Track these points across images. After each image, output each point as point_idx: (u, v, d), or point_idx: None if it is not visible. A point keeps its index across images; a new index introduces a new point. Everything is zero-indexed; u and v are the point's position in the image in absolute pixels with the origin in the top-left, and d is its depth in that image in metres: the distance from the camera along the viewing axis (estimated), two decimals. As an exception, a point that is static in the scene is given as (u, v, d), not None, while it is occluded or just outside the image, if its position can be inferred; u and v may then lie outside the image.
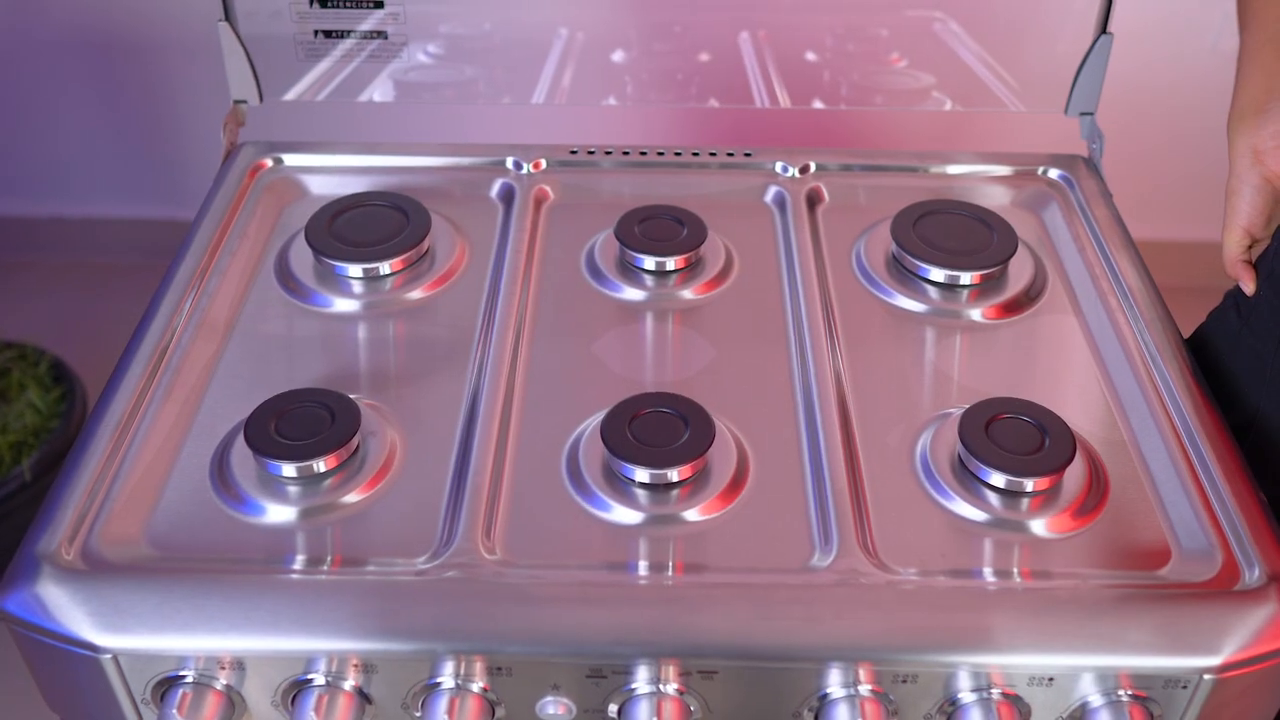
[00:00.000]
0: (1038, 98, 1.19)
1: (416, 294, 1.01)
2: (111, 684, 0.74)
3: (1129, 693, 0.73)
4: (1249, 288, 0.89)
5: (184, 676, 0.74)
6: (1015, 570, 0.78)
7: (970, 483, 0.82)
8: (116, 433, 0.84)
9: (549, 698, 0.75)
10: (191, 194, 1.13)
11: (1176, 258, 1.88)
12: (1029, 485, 0.81)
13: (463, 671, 0.73)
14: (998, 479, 0.81)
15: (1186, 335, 0.97)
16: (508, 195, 1.12)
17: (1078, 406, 0.89)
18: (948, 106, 1.24)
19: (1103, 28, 1.14)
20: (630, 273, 1.03)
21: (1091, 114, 1.17)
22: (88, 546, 0.77)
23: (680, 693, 0.74)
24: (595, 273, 1.03)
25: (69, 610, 0.73)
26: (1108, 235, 1.05)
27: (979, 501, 0.81)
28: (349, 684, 0.74)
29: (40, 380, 1.80)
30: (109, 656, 0.73)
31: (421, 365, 0.94)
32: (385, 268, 1.01)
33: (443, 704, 0.73)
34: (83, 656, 0.73)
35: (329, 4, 1.14)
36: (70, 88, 2.13)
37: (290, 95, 1.19)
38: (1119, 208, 1.10)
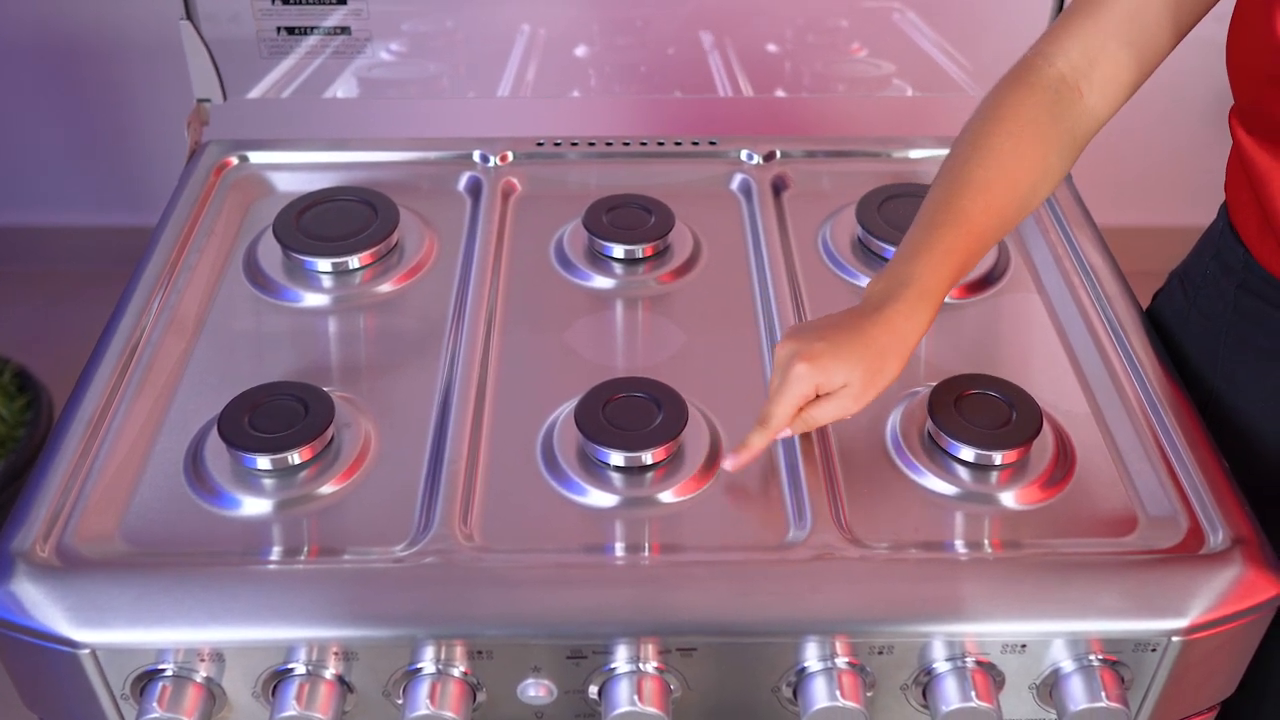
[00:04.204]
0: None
1: (386, 287, 1.01)
2: (90, 680, 0.74)
3: (1100, 657, 0.74)
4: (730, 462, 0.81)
5: (163, 670, 0.74)
6: (986, 541, 0.79)
7: (940, 457, 0.84)
8: (89, 430, 0.84)
9: (530, 680, 0.75)
10: (154, 200, 1.12)
11: (1135, 243, 1.91)
12: (998, 458, 0.82)
13: (443, 656, 0.74)
14: (967, 453, 0.83)
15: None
16: (475, 188, 1.13)
17: (1043, 381, 0.91)
18: (909, 93, 1.25)
19: (1058, 10, 1.15)
20: (599, 261, 1.03)
21: (1049, 97, 1.19)
22: (63, 543, 0.77)
23: (660, 671, 0.74)
24: (564, 262, 1.04)
25: (45, 607, 0.73)
26: (1068, 215, 1.07)
27: (949, 475, 0.83)
28: (330, 672, 0.74)
29: (4, 389, 1.78)
30: (87, 652, 0.72)
31: (393, 357, 0.94)
32: (354, 262, 1.01)
33: (424, 689, 0.73)
34: (60, 653, 0.73)
35: (291, 0, 1.14)
36: (27, 93, 2.11)
37: (254, 93, 1.19)
38: (1080, 192, 1.11)
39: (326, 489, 0.82)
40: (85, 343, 0.93)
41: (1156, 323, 0.97)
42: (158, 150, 2.17)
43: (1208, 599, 0.74)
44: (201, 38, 1.15)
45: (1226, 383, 0.89)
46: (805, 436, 0.85)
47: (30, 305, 2.25)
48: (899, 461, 0.84)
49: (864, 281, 1.01)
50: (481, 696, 0.75)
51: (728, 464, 0.81)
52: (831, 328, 0.80)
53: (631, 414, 0.84)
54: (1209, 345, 0.90)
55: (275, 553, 0.78)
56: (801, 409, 0.80)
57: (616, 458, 0.82)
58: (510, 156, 1.15)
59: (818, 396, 0.79)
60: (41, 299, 2.26)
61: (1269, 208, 0.81)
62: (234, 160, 1.14)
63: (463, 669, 0.74)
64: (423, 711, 0.72)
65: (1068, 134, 0.85)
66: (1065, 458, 0.85)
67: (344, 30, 1.17)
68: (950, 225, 0.81)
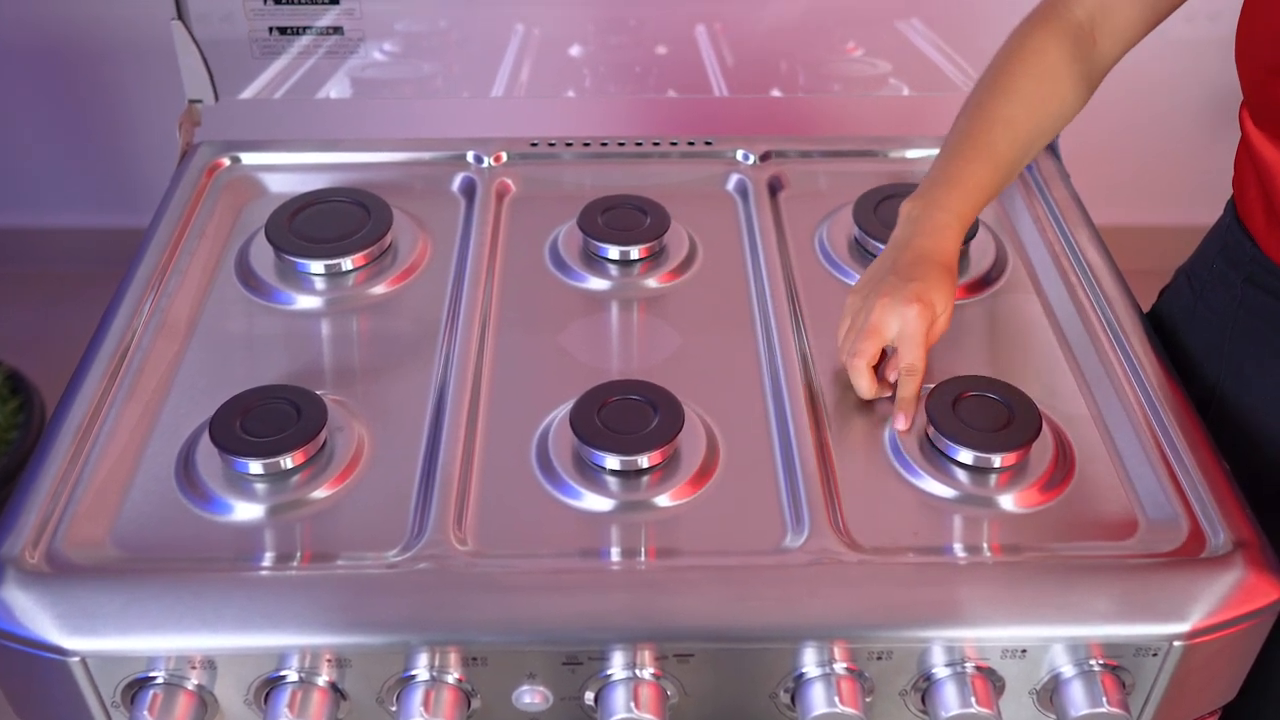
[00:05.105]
0: (994, 81, 1.20)
1: (379, 289, 1.00)
2: (80, 688, 0.73)
3: (1100, 662, 0.74)
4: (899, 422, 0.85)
5: (154, 678, 0.73)
6: (986, 545, 0.78)
7: (939, 460, 0.83)
8: (79, 435, 0.83)
9: (525, 687, 0.74)
10: (147, 201, 1.12)
11: (1133, 241, 1.90)
12: (997, 461, 0.82)
13: (437, 663, 0.73)
14: (966, 456, 0.82)
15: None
16: (469, 189, 1.12)
17: (1042, 382, 0.90)
18: (905, 93, 1.25)
19: (1056, 10, 1.15)
20: (594, 263, 1.02)
21: (1047, 96, 1.18)
22: (52, 549, 0.76)
23: (657, 677, 0.73)
24: (559, 264, 1.03)
25: (34, 614, 0.72)
26: (1066, 215, 1.06)
27: (948, 478, 0.82)
28: (323, 679, 0.73)
29: (-3, 392, 1.77)
30: (77, 659, 0.72)
31: (387, 360, 0.93)
32: (347, 263, 1.00)
33: (418, 696, 0.72)
34: (50, 660, 0.72)
35: (283, 0, 1.13)
36: (20, 94, 2.10)
37: (246, 94, 1.18)
38: (1077, 191, 1.11)
39: (319, 493, 0.81)
40: (76, 344, 0.93)
41: (1163, 319, 0.97)
42: (152, 151, 2.16)
43: (1209, 603, 0.73)
44: (193, 38, 1.14)
45: (1233, 378, 0.89)
46: (803, 436, 0.84)
47: (24, 307, 2.24)
48: (897, 464, 0.84)
49: (861, 282, 1.01)
50: (476, 703, 0.75)
51: (901, 424, 0.85)
52: (907, 266, 0.87)
53: (627, 417, 0.83)
54: (1215, 340, 0.90)
55: (267, 558, 0.77)
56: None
57: (612, 461, 0.81)
58: (504, 157, 1.15)
59: None
60: (35, 300, 2.25)
61: (1276, 200, 0.82)
62: (226, 161, 1.14)
63: (457, 676, 0.73)
64: (417, 719, 0.71)
65: (1083, 76, 0.92)
66: (1064, 460, 0.84)
67: (337, 30, 1.16)
68: (981, 160, 0.90)
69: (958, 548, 0.78)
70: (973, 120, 0.91)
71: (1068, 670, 0.74)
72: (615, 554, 0.78)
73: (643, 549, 0.78)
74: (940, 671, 0.74)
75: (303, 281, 1.00)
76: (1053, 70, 0.91)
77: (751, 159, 1.15)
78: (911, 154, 1.17)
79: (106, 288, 0.99)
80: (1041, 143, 0.93)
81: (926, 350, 0.86)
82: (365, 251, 1.01)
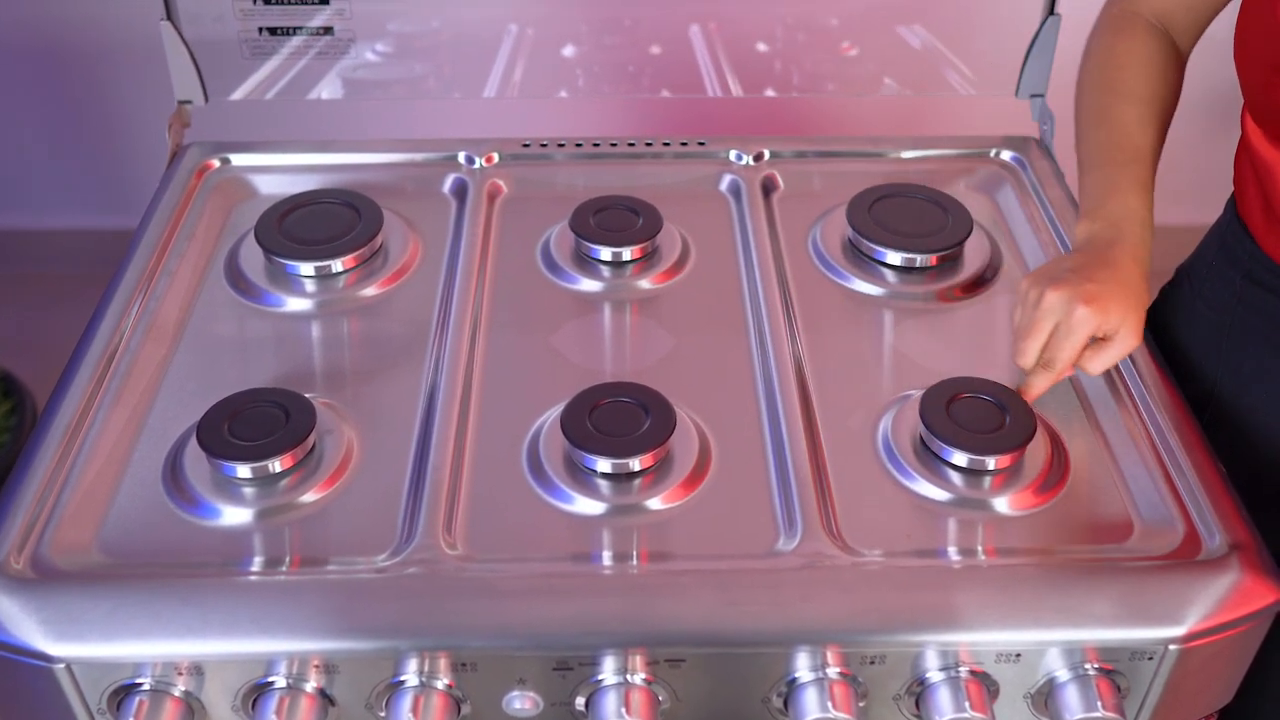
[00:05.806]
0: (989, 81, 1.20)
1: (370, 291, 0.99)
2: (66, 695, 0.72)
3: (1095, 666, 0.73)
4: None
5: (140, 684, 0.72)
6: (980, 548, 0.78)
7: (932, 463, 0.82)
8: (65, 439, 0.83)
9: (515, 692, 0.74)
10: (142, 203, 1.11)
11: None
12: (991, 463, 0.81)
13: (427, 669, 0.72)
14: (960, 458, 0.81)
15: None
16: (460, 190, 1.11)
17: (1037, 384, 0.89)
18: (900, 93, 1.24)
19: (1050, 9, 1.14)
20: (586, 264, 1.02)
21: (1042, 95, 1.18)
22: (38, 555, 0.75)
23: (648, 682, 0.73)
24: (551, 265, 1.02)
25: (19, 620, 0.71)
26: (1061, 215, 1.05)
27: (942, 481, 0.81)
28: (311, 685, 0.73)
29: (-12, 394, 1.76)
30: (62, 666, 0.71)
31: (377, 362, 0.92)
32: (338, 265, 1.00)
33: (407, 702, 0.72)
34: (35, 668, 0.71)
35: (273, 1, 1.13)
36: (13, 95, 2.09)
37: (237, 95, 1.17)
38: (1072, 190, 1.10)
39: (308, 497, 0.80)
40: (68, 346, 0.92)
41: (1162, 316, 0.97)
42: (148, 152, 2.14)
43: (1205, 606, 0.72)
44: (183, 38, 1.13)
45: (1231, 375, 0.89)
46: (796, 439, 0.83)
47: (17, 308, 2.23)
48: (890, 467, 0.83)
49: (855, 283, 1.00)
50: (466, 709, 0.74)
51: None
52: (1089, 267, 0.83)
53: (619, 419, 0.82)
54: (1213, 337, 0.91)
55: (255, 563, 0.76)
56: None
57: (603, 464, 0.80)
58: (496, 158, 1.14)
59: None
60: (29, 302, 2.24)
61: (1274, 198, 0.82)
62: (215, 163, 1.13)
63: (446, 681, 0.73)
64: (405, 725, 0.71)
65: (1173, 61, 0.95)
66: (1059, 462, 0.83)
67: (328, 30, 1.15)
68: (1138, 162, 0.89)
69: (951, 551, 0.77)
70: (1103, 128, 0.92)
71: (1062, 674, 0.74)
72: (607, 558, 0.77)
73: (634, 553, 0.77)
74: (934, 676, 0.73)
75: (293, 283, 0.99)
76: (1150, 64, 0.93)
77: (745, 159, 1.14)
78: (906, 154, 1.16)
79: (96, 289, 0.98)
80: (1167, 125, 0.94)
81: (1092, 363, 0.83)
82: (356, 253, 1.00)
